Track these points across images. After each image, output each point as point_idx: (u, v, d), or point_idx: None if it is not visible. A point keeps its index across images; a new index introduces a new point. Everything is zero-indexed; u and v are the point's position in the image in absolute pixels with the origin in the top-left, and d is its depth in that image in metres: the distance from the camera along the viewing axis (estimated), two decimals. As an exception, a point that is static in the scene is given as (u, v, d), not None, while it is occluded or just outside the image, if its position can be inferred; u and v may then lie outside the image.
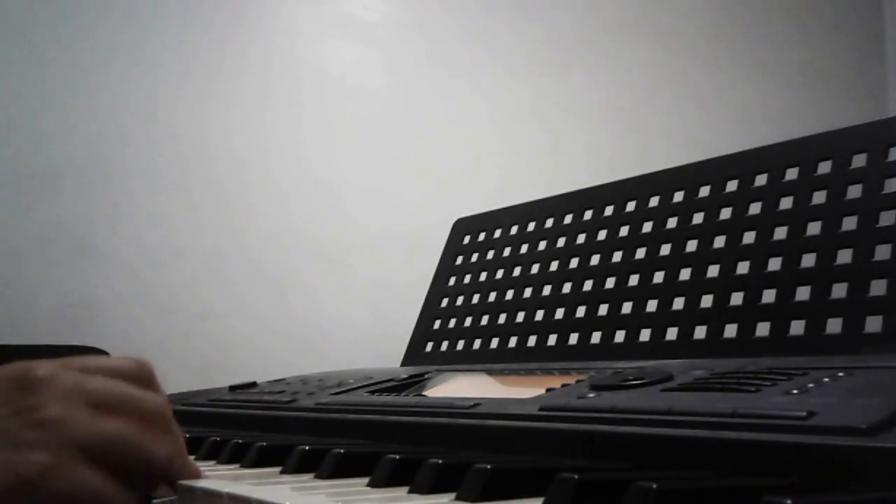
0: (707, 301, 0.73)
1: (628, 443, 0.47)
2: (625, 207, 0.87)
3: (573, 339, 0.84)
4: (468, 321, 0.99)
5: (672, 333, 0.75)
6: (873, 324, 0.60)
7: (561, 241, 0.92)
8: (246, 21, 2.27)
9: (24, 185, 2.03)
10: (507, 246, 0.99)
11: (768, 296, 0.69)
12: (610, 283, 0.84)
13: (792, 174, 0.73)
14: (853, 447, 0.38)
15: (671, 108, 2.71)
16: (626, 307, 0.81)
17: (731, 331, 0.70)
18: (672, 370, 0.58)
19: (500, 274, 0.98)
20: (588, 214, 0.91)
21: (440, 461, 0.45)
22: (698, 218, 0.79)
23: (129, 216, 2.11)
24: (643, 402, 0.51)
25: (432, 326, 1.03)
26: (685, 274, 0.77)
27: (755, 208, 0.75)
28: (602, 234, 0.88)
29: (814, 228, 0.69)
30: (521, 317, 0.92)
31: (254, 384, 0.95)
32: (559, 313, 0.88)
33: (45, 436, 0.44)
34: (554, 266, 0.92)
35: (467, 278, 1.03)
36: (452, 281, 1.05)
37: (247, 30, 2.27)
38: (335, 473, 0.51)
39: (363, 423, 0.67)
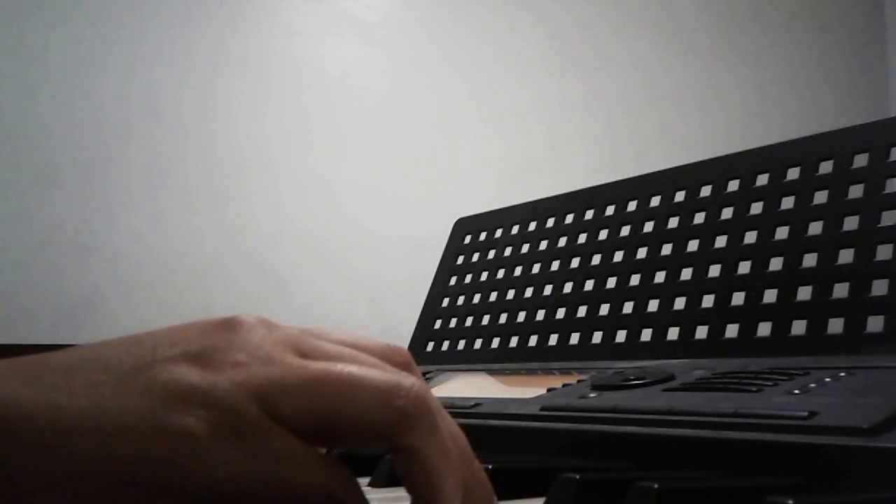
0: (708, 301, 0.73)
1: (630, 443, 0.47)
2: (626, 207, 0.87)
3: (574, 338, 0.84)
4: (469, 321, 0.99)
5: (673, 333, 0.75)
6: (875, 324, 0.60)
7: (562, 241, 0.92)
8: (246, 20, 2.27)
9: (26, 183, 2.03)
10: (509, 245, 0.99)
11: (769, 296, 0.69)
12: (611, 282, 0.84)
13: (793, 174, 0.73)
14: (854, 447, 0.38)
15: (671, 108, 2.71)
16: (628, 307, 0.81)
17: (732, 331, 0.70)
18: (673, 370, 0.58)
19: (501, 273, 0.98)
20: (589, 214, 0.91)
21: (441, 461, 0.45)
22: (699, 218, 0.79)
23: (130, 214, 2.11)
24: (645, 401, 0.51)
25: (433, 326, 1.03)
26: (686, 274, 0.77)
27: (756, 208, 0.75)
28: (603, 234, 0.88)
29: (815, 228, 0.69)
30: (522, 316, 0.92)
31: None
32: (560, 313, 0.88)
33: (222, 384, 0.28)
34: (555, 266, 0.92)
35: (468, 278, 1.03)
36: (453, 280, 1.05)
37: (247, 29, 2.27)
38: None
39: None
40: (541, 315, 0.89)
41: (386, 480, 0.47)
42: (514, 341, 0.91)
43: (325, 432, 0.29)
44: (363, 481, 0.48)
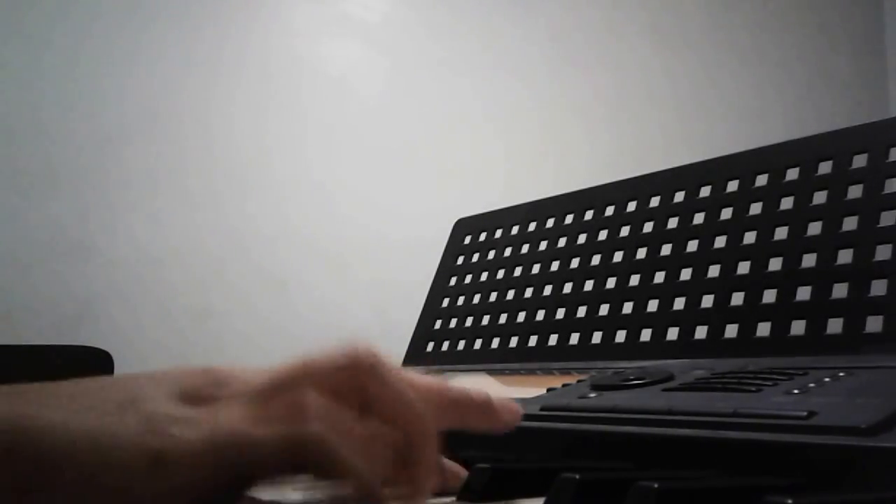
0: (708, 301, 0.74)
1: (629, 442, 0.47)
2: (626, 207, 0.87)
3: (574, 338, 0.84)
4: (469, 321, 0.99)
5: (673, 333, 0.75)
6: (874, 324, 0.61)
7: (562, 241, 0.93)
8: (245, 21, 2.27)
9: (24, 185, 2.03)
10: (508, 246, 1.00)
11: (769, 296, 0.69)
12: (611, 282, 0.84)
13: (792, 174, 0.73)
14: (853, 447, 0.38)
15: (671, 108, 2.71)
16: (627, 307, 0.81)
17: (731, 331, 0.70)
18: (673, 370, 0.58)
19: (500, 274, 0.98)
20: (589, 214, 0.91)
21: (442, 461, 0.45)
22: (699, 218, 0.79)
23: (129, 216, 2.11)
24: (644, 401, 0.51)
25: (433, 326, 1.03)
26: (686, 274, 0.77)
27: (756, 208, 0.75)
28: (603, 234, 0.88)
29: (814, 228, 0.69)
30: (521, 317, 0.92)
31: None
32: (560, 313, 0.88)
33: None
34: (555, 266, 0.92)
35: (468, 278, 1.03)
36: (453, 281, 1.05)
37: (246, 30, 2.27)
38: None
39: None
40: (541, 315, 0.90)
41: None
42: (514, 341, 0.91)
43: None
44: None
